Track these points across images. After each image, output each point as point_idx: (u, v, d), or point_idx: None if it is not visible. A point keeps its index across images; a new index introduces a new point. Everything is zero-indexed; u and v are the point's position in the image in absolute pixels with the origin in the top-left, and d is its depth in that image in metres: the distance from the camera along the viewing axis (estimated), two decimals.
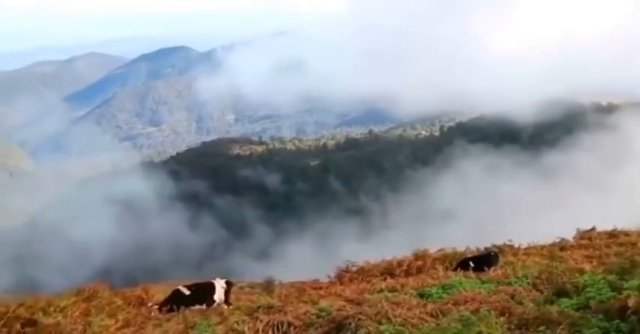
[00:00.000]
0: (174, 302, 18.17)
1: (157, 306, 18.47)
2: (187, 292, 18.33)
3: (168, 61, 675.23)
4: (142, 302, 20.31)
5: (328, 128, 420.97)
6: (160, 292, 20.00)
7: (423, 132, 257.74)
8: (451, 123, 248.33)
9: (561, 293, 14.18)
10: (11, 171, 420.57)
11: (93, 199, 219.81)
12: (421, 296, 16.25)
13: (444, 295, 16.03)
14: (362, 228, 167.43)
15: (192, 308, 17.94)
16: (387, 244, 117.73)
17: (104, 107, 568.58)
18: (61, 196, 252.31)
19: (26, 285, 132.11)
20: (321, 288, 23.79)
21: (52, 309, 17.13)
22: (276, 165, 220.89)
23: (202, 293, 18.48)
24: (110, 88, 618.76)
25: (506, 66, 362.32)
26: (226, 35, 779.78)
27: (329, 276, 27.20)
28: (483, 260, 23.47)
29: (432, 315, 12.87)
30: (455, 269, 23.40)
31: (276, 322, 13.47)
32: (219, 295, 18.46)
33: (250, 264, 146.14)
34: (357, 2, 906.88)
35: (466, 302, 13.99)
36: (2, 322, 15.50)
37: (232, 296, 19.57)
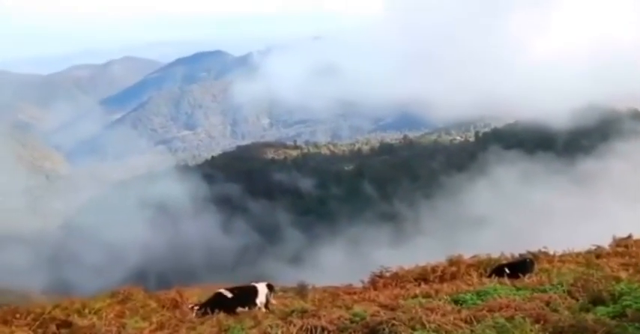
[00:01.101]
0: (216, 305, 18.21)
1: (197, 307, 18.54)
2: (230, 295, 18.33)
3: (203, 65, 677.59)
4: (176, 305, 20.40)
5: (363, 133, 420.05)
6: (194, 295, 20.09)
7: (458, 137, 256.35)
8: (486, 129, 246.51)
9: (597, 301, 14.08)
10: (47, 173, 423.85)
11: (128, 202, 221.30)
12: (455, 302, 16.19)
13: (479, 301, 15.96)
14: (395, 234, 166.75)
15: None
16: (420, 250, 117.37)
17: (140, 111, 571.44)
18: (96, 199, 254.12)
19: (60, 287, 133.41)
20: (354, 293, 23.76)
21: (86, 311, 17.26)
22: (310, 170, 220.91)
23: (245, 296, 18.49)
24: (146, 92, 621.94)
25: (542, 70, 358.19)
26: (262, 39, 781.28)
27: (362, 281, 27.15)
28: (518, 267, 23.33)
29: (466, 322, 12.81)
30: (489, 276, 23.28)
31: (309, 326, 13.46)
32: (261, 299, 18.47)
33: (283, 269, 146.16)
34: (393, 6, 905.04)
35: (501, 308, 13.93)
36: (38, 323, 15.65)
37: (272, 301, 19.57)
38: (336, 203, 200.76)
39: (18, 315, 15.91)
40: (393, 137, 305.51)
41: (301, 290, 31.64)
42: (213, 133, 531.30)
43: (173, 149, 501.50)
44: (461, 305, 15.67)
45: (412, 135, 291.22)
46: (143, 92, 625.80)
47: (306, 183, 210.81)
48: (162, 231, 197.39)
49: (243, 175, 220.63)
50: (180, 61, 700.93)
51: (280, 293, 27.27)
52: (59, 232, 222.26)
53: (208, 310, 18.30)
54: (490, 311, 13.72)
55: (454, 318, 12.89)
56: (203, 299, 19.46)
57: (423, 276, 25.02)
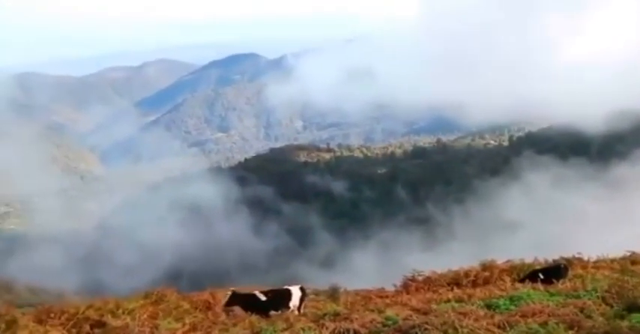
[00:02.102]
0: (250, 307, 18.24)
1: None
2: (264, 298, 18.33)
3: (237, 68, 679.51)
4: (208, 307, 20.45)
5: (396, 136, 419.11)
6: (226, 298, 20.07)
7: (492, 141, 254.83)
8: (520, 133, 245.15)
9: (632, 307, 13.95)
10: (82, 175, 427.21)
11: (161, 204, 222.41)
12: (488, 307, 16.12)
13: (512, 307, 15.88)
14: (427, 238, 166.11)
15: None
16: (452, 255, 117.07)
17: (174, 113, 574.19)
18: (130, 200, 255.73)
19: (94, 287, 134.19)
20: (387, 297, 23.71)
21: (120, 311, 17.35)
22: (343, 173, 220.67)
23: (279, 299, 18.47)
24: (180, 94, 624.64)
25: (577, 74, 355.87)
26: (296, 42, 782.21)
27: (395, 285, 27.07)
28: (552, 273, 23.16)
29: (499, 327, 12.75)
30: (522, 281, 23.14)
31: (342, 329, 13.46)
32: (294, 302, 18.45)
33: (314, 272, 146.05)
34: (427, 9, 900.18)
35: (534, 314, 13.84)
36: (72, 323, 15.75)
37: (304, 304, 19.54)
38: (368, 206, 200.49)
39: (52, 315, 16.01)
40: (426, 141, 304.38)
41: (333, 294, 31.60)
42: (246, 136, 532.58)
43: (206, 151, 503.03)
44: (494, 310, 15.60)
45: (446, 138, 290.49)
46: (177, 94, 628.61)
47: (339, 187, 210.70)
48: (194, 233, 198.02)
49: (275, 178, 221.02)
50: (214, 64, 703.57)
51: (312, 296, 27.26)
52: (93, 233, 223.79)
53: (227, 309, 18.44)
54: (523, 316, 13.65)
55: (487, 323, 12.84)
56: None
57: (455, 281, 24.91)
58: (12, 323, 14.04)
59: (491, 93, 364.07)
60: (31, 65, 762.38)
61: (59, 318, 15.87)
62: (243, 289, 20.26)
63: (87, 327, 15.72)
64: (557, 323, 12.29)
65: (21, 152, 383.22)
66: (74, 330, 15.45)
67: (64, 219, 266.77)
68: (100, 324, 15.91)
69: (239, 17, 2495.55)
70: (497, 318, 13.41)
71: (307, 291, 19.90)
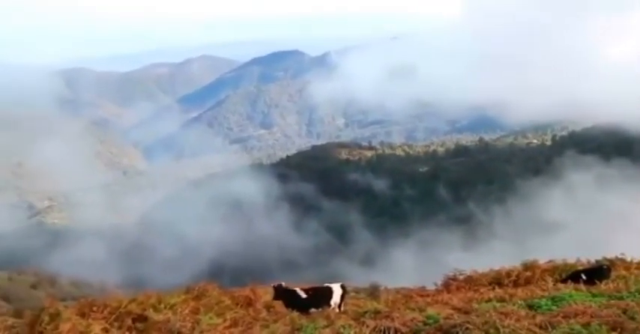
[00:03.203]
0: (290, 303, 18.27)
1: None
2: (304, 295, 18.32)
3: (280, 65, 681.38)
4: (249, 303, 20.51)
5: (438, 134, 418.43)
6: (268, 293, 20.15)
7: (535, 141, 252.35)
8: (563, 133, 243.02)
9: None
10: (125, 170, 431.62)
11: (202, 199, 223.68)
12: (530, 307, 16.03)
13: (554, 307, 15.76)
14: (467, 237, 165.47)
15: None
16: (493, 254, 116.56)
17: (216, 109, 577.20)
18: (171, 196, 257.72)
19: (135, 281, 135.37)
20: (428, 296, 23.63)
21: (162, 306, 17.44)
22: (384, 171, 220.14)
23: (320, 297, 18.40)
24: (222, 91, 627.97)
25: (622, 73, 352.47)
26: (339, 40, 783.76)
27: (436, 284, 26.98)
28: (595, 273, 22.95)
29: (541, 327, 12.68)
30: (564, 281, 22.95)
31: (382, 327, 13.44)
32: (335, 300, 18.40)
33: (354, 269, 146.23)
34: (471, 7, 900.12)
35: (576, 315, 13.73)
36: (114, 317, 15.86)
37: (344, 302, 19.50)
38: (409, 205, 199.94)
39: (95, 308, 16.12)
40: (468, 139, 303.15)
41: (373, 291, 31.65)
42: (288, 133, 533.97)
43: (248, 148, 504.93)
44: (535, 310, 15.50)
45: (488, 137, 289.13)
46: (220, 91, 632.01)
47: (380, 184, 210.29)
48: (235, 229, 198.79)
49: (317, 175, 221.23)
50: (256, 61, 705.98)
51: (352, 294, 27.30)
52: (135, 228, 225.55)
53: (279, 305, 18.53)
54: (565, 317, 13.55)
55: (529, 323, 12.77)
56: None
57: (497, 280, 24.77)
58: (55, 316, 14.18)
59: (535, 92, 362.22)
60: (76, 61, 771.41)
61: (102, 312, 15.99)
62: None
63: (129, 321, 15.82)
64: (599, 325, 12.20)
65: (66, 147, 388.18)
66: (116, 324, 15.56)
67: (107, 213, 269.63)
68: (142, 318, 16.02)
69: (281, 14, 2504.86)
70: (539, 319, 13.33)
71: (348, 289, 19.88)
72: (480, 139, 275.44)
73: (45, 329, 13.90)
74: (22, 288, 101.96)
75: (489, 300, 18.30)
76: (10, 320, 18.82)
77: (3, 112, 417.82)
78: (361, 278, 67.02)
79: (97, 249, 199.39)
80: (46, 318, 14.15)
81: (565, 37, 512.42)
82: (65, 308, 15.32)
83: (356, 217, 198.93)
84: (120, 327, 15.50)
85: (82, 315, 15.58)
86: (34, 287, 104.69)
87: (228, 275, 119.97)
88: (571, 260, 28.14)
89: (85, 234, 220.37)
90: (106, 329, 14.75)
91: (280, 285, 18.75)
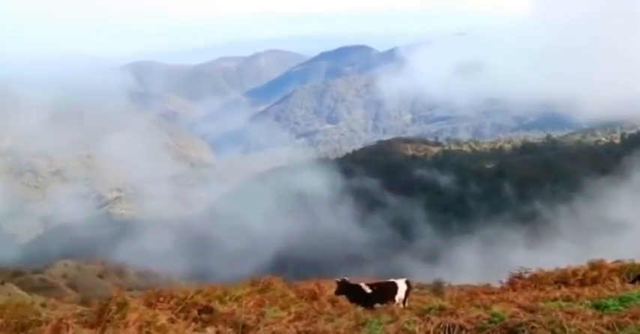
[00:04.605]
0: (355, 299, 18.28)
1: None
2: (369, 290, 18.31)
3: (347, 60, 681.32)
4: (314, 297, 20.59)
5: (505, 131, 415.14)
6: (332, 287, 20.17)
7: (603, 138, 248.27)
8: (633, 131, 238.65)
9: None
10: (192, 162, 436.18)
11: (268, 193, 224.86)
12: (596, 307, 15.80)
13: (621, 308, 15.52)
14: (531, 236, 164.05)
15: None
16: (557, 253, 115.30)
17: (283, 103, 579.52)
18: (238, 189, 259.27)
19: (200, 272, 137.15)
20: (492, 293, 23.47)
21: (227, 298, 17.60)
22: (450, 167, 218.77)
23: (384, 292, 18.35)
24: (290, 85, 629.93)
25: None
26: (406, 35, 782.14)
27: (501, 282, 26.79)
28: None
29: (607, 328, 12.50)
30: (633, 282, 22.61)
31: (447, 324, 13.37)
32: (399, 295, 18.36)
33: (417, 265, 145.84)
34: (540, 3, 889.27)
35: None
36: (180, 307, 16.06)
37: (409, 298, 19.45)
38: (474, 201, 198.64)
39: (161, 299, 16.34)
40: (536, 136, 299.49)
41: (437, 288, 31.52)
42: (354, 127, 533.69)
43: (315, 142, 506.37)
44: (602, 310, 15.27)
45: (556, 135, 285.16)
46: (287, 85, 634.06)
47: (446, 181, 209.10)
48: (300, 223, 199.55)
49: (382, 170, 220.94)
50: (324, 55, 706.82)
51: (416, 290, 27.25)
52: (201, 219, 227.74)
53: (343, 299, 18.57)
54: (633, 318, 13.34)
55: (595, 324, 12.59)
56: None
57: (562, 279, 24.48)
58: (123, 306, 14.38)
59: (605, 89, 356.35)
60: (146, 54, 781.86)
61: (168, 302, 16.19)
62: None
63: (195, 312, 16.01)
64: None
65: (134, 139, 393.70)
66: (182, 315, 15.74)
67: (174, 205, 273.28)
68: (208, 310, 16.19)
69: (349, 9, 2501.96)
70: (606, 319, 13.13)
71: (412, 285, 19.83)
72: (548, 136, 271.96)
73: (112, 317, 14.12)
74: (90, 277, 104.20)
75: (555, 299, 18.09)
76: (79, 308, 19.18)
77: (73, 104, 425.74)
78: (424, 275, 66.90)
79: (164, 239, 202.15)
80: (114, 307, 14.37)
81: (635, 32, 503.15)
82: (132, 298, 15.54)
83: (420, 213, 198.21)
84: (186, 318, 15.68)
85: (149, 305, 15.80)
86: (101, 276, 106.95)
87: (292, 268, 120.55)
88: (639, 260, 27.73)
89: (152, 224, 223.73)
90: (172, 320, 14.94)
91: (344, 280, 18.78)
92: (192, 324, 15.04)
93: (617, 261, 27.16)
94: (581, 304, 16.14)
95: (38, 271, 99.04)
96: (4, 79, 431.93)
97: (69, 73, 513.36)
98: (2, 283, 72.79)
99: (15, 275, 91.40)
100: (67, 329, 13.38)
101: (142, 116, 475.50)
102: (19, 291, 70.63)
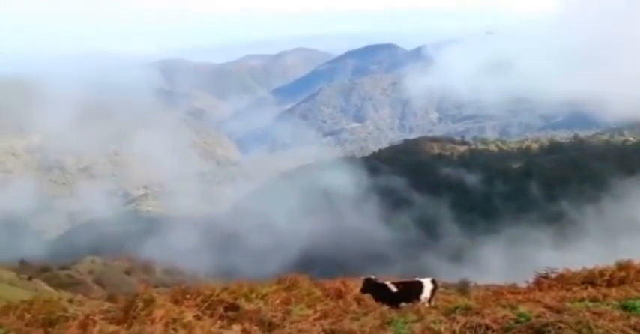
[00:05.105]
0: (381, 298, 18.28)
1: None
2: (395, 289, 18.30)
3: (374, 58, 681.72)
4: (340, 295, 20.61)
5: (532, 130, 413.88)
6: (358, 286, 20.18)
7: (631, 138, 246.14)
8: None
9: None
10: (219, 160, 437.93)
11: (294, 191, 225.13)
12: (624, 308, 15.72)
13: None
14: (558, 236, 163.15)
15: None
16: (584, 254, 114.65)
17: (310, 102, 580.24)
18: (264, 187, 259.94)
19: (225, 270, 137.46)
20: (519, 293, 23.38)
21: (253, 295, 17.64)
22: (477, 166, 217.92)
23: (410, 291, 18.33)
24: (316, 83, 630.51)
25: None
26: (433, 34, 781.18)
27: (527, 282, 26.71)
28: None
29: (635, 329, 12.45)
30: None
31: (473, 324, 13.35)
32: (425, 294, 18.34)
33: (443, 264, 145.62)
34: (568, 2, 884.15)
35: None
36: (206, 304, 16.14)
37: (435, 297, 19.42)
38: (500, 201, 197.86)
39: (188, 296, 16.43)
40: (563, 136, 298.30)
41: (463, 287, 31.45)
42: (381, 126, 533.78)
43: (341, 140, 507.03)
44: (630, 311, 15.20)
45: (583, 134, 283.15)
46: (314, 83, 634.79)
47: (472, 180, 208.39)
48: (325, 221, 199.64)
49: (408, 169, 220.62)
50: (351, 54, 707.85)
51: (442, 289, 27.21)
52: (227, 217, 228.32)
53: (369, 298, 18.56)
54: None
55: (622, 324, 12.54)
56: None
57: (589, 280, 24.34)
58: (149, 302, 14.45)
59: (633, 88, 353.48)
60: (173, 52, 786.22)
61: (194, 299, 16.27)
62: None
63: (221, 309, 16.06)
64: None
65: (161, 137, 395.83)
66: (208, 311, 15.80)
67: (200, 202, 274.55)
68: (234, 307, 16.24)
69: (376, 8, 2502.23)
70: (634, 320, 13.06)
71: (438, 284, 19.80)
72: (575, 136, 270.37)
73: (139, 314, 14.20)
74: (116, 274, 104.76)
75: (582, 300, 18.01)
76: (106, 305, 19.31)
77: (101, 101, 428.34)
78: (450, 274, 66.78)
79: (190, 237, 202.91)
80: (141, 304, 14.46)
81: None
82: (159, 295, 15.63)
83: (446, 212, 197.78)
84: (212, 315, 15.74)
85: (175, 302, 15.88)
86: (127, 273, 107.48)
87: (318, 266, 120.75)
88: None
89: (178, 222, 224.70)
90: (198, 317, 15.00)
91: (370, 278, 18.79)
92: (218, 321, 15.08)
93: None
94: (608, 305, 16.07)
95: (65, 267, 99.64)
96: (32, 77, 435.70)
97: (97, 70, 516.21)
98: (30, 279, 73.24)
99: (42, 271, 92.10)
100: (94, 325, 13.47)
101: (169, 114, 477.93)
102: (47, 287, 71.08)
